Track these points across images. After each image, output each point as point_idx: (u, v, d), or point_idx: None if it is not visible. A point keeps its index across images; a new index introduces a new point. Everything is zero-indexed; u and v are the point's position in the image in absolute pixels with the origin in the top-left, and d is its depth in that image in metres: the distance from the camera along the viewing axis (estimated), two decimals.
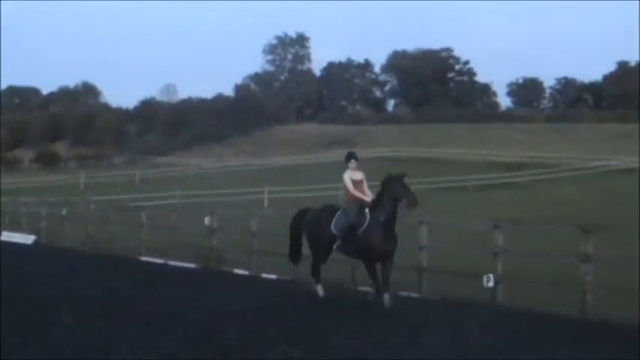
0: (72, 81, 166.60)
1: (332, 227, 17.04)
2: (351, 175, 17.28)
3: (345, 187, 17.35)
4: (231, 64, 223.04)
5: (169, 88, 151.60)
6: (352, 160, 17.41)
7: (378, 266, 16.66)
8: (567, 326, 14.69)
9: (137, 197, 58.43)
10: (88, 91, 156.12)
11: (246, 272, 23.66)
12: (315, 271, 17.77)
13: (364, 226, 16.56)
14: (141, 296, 17.27)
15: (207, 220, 26.94)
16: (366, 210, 16.71)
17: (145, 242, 29.98)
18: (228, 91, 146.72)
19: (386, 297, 16.32)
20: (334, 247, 17.15)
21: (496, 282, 17.83)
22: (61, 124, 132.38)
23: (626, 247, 21.14)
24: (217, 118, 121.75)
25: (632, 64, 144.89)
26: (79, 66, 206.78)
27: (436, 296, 18.28)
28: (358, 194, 17.02)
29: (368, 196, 16.95)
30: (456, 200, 49.59)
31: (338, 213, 17.23)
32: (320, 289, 17.64)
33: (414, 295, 18.62)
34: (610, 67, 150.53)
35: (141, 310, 15.18)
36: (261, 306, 16.04)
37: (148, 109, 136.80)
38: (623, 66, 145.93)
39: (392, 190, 16.45)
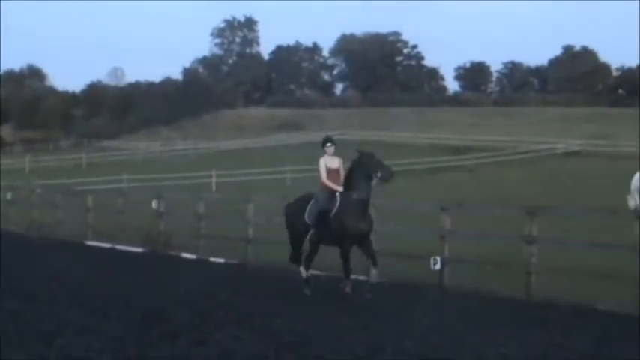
0: (17, 64, 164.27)
1: (305, 216, 16.27)
2: (327, 162, 16.29)
3: (319, 174, 16.35)
4: (179, 48, 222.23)
5: (117, 71, 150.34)
6: (329, 144, 16.36)
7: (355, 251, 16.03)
8: (512, 307, 14.87)
9: (84, 181, 57.90)
10: (34, 74, 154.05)
11: (193, 256, 23.62)
12: (296, 257, 16.88)
13: (335, 209, 15.77)
14: (87, 281, 17.16)
15: (154, 204, 26.83)
16: (337, 194, 15.92)
17: (91, 226, 29.78)
18: (177, 74, 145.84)
19: (374, 272, 15.79)
20: (308, 236, 16.40)
21: (443, 264, 17.96)
22: (7, 108, 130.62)
23: (569, 229, 21.43)
24: (165, 102, 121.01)
25: (577, 48, 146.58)
26: (25, 49, 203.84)
27: (384, 279, 18.35)
28: (329, 184, 16.12)
29: (339, 186, 16.01)
30: (403, 184, 49.71)
31: (311, 202, 16.36)
32: (303, 271, 16.70)
33: (363, 278, 18.66)
34: (555, 51, 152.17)
35: (86, 294, 15.09)
36: (208, 289, 16.03)
37: (94, 92, 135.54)
38: (568, 50, 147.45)
39: (364, 165, 15.66)
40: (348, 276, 15.95)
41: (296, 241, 16.81)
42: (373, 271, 15.75)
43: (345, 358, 10.28)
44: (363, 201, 15.71)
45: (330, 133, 17.18)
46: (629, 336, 12.30)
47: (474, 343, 11.41)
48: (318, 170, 16.36)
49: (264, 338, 11.26)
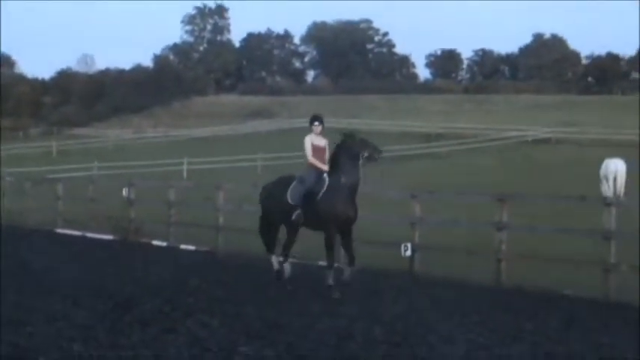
0: None
1: (288, 196, 15.20)
2: (314, 140, 15.37)
3: (304, 153, 15.37)
4: (149, 35, 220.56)
5: (86, 58, 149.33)
6: (316, 123, 15.44)
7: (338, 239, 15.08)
8: (482, 293, 14.96)
9: (54, 169, 57.67)
10: (3, 61, 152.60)
11: (164, 243, 23.56)
12: (270, 245, 15.95)
13: (323, 190, 14.80)
14: (57, 268, 17.09)
15: (125, 192, 26.70)
16: (325, 175, 14.97)
17: (61, 214, 29.61)
18: (147, 61, 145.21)
19: (348, 271, 14.78)
20: (293, 216, 15.09)
21: (413, 251, 18.02)
22: None
23: (538, 215, 21.61)
24: (136, 89, 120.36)
25: (547, 36, 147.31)
26: None
27: (354, 266, 18.37)
28: (316, 162, 15.17)
29: (325, 166, 15.11)
30: (374, 170, 49.73)
31: (294, 182, 15.40)
32: (275, 261, 15.77)
33: (336, 265, 18.68)
34: (526, 39, 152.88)
35: (56, 282, 15.03)
36: (178, 277, 16.01)
37: (64, 79, 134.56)
38: (538, 38, 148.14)
39: (350, 146, 14.78)
40: (331, 266, 14.75)
41: (272, 226, 15.81)
42: (347, 270, 14.76)
43: (316, 344, 10.31)
44: (352, 185, 14.75)
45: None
46: (596, 320, 12.43)
47: (444, 329, 11.49)
48: (303, 151, 15.35)
49: (235, 325, 11.29)
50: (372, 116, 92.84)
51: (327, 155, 15.32)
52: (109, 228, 26.13)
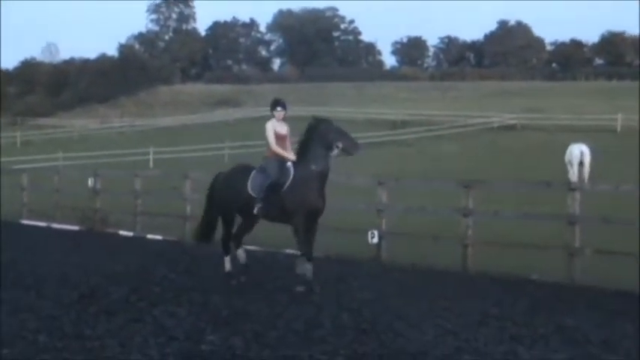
0: None
1: (249, 188, 14.16)
2: (276, 127, 14.36)
3: (266, 140, 14.37)
4: (114, 24, 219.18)
5: (51, 48, 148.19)
6: (278, 109, 14.43)
7: None
8: (448, 279, 15.04)
9: (19, 160, 57.18)
10: None
11: (130, 233, 23.48)
12: (225, 240, 14.89)
13: (289, 181, 13.81)
14: (22, 260, 16.97)
15: (90, 182, 26.59)
16: (289, 164, 13.98)
17: (26, 205, 29.43)
18: (112, 51, 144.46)
19: (308, 268, 13.75)
20: (255, 209, 14.08)
21: (380, 238, 18.08)
22: None
23: (504, 201, 21.73)
24: (101, 79, 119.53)
25: (512, 23, 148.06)
26: None
27: (321, 253, 18.40)
28: (280, 150, 14.18)
29: (291, 154, 14.15)
30: (341, 158, 49.71)
31: (254, 171, 14.40)
32: (228, 262, 14.81)
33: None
34: (491, 26, 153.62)
35: (21, 273, 14.93)
36: (145, 266, 15.96)
37: (28, 69, 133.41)
38: (503, 25, 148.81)
39: (324, 133, 13.73)
40: (309, 257, 13.83)
41: (228, 218, 14.78)
42: (308, 267, 13.73)
43: (284, 332, 10.32)
44: (322, 174, 13.73)
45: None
46: (561, 304, 12.54)
47: (412, 315, 11.54)
48: (265, 138, 14.36)
49: (202, 314, 11.27)
50: (339, 104, 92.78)
51: (288, 143, 14.42)
52: (75, 218, 26.03)
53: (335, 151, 13.69)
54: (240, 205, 14.39)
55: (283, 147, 14.33)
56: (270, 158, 14.31)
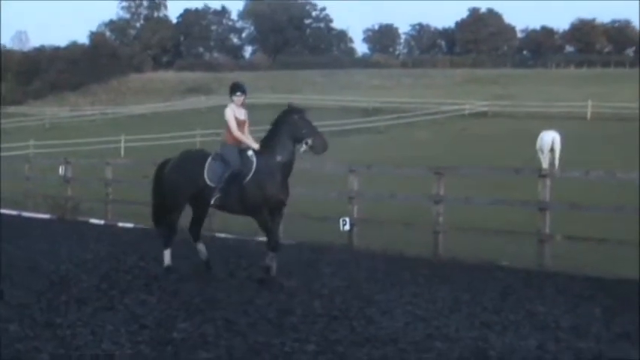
0: None
1: (205, 177, 13.42)
2: (235, 112, 13.62)
3: (227, 126, 13.57)
4: (85, 12, 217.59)
5: (21, 35, 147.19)
6: (238, 93, 13.66)
7: None
8: (420, 266, 15.07)
9: None
10: None
11: (101, 222, 23.39)
12: (168, 233, 14.08)
13: (251, 172, 13.08)
14: None
15: (61, 170, 26.46)
16: (250, 152, 13.26)
17: None
18: (83, 38, 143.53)
19: (271, 256, 13.23)
20: (212, 200, 13.39)
21: (352, 225, 18.10)
22: None
23: (474, 187, 21.82)
24: (72, 67, 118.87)
25: (483, 10, 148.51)
26: None
27: (293, 240, 18.44)
28: (242, 137, 13.46)
29: (253, 142, 13.39)
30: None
31: (210, 158, 13.63)
32: (168, 255, 13.98)
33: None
34: (462, 13, 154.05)
35: None
36: (116, 254, 15.90)
37: None
38: (474, 12, 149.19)
39: (296, 125, 13.05)
40: (274, 248, 13.25)
41: (178, 207, 13.94)
42: (271, 255, 13.19)
43: (255, 320, 10.34)
44: (287, 166, 13.15)
45: (238, 82, 14.18)
46: (532, 290, 12.63)
47: (383, 301, 11.59)
48: (225, 124, 13.59)
49: (173, 302, 11.27)
50: (310, 91, 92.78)
51: (247, 130, 13.68)
52: (46, 207, 25.90)
53: (303, 147, 13.10)
54: (195, 194, 13.60)
55: (242, 133, 13.59)
56: (229, 145, 13.55)
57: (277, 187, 13.13)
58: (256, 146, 13.31)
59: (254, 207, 13.18)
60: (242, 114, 13.71)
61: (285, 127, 13.13)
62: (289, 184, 13.53)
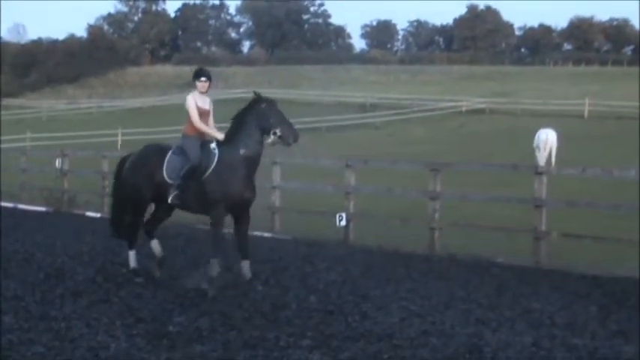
0: None
1: (164, 172, 12.33)
2: (198, 100, 12.49)
3: (188, 116, 12.47)
4: (83, 4, 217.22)
5: (18, 28, 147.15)
6: (203, 79, 12.54)
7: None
8: (415, 262, 15.07)
9: None
10: None
11: (98, 215, 23.35)
12: (133, 231, 13.06)
13: (212, 166, 11.98)
14: None
15: (57, 163, 26.44)
16: (212, 145, 12.16)
17: None
18: (81, 31, 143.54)
19: (245, 265, 12.13)
20: (170, 198, 12.23)
21: (348, 220, 18.10)
22: None
23: (471, 184, 21.82)
24: (69, 59, 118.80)
25: (481, 7, 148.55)
26: None
27: (289, 235, 18.45)
28: (205, 127, 12.36)
29: (218, 133, 12.30)
30: (309, 141, 49.82)
31: (170, 152, 12.50)
32: (133, 257, 12.95)
33: (267, 234, 18.75)
34: (460, 10, 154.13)
35: None
36: (112, 248, 15.87)
37: None
38: (472, 9, 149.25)
39: (264, 114, 11.90)
40: (215, 255, 12.05)
41: (139, 207, 12.91)
42: (245, 265, 12.12)
43: (251, 314, 10.33)
44: (252, 160, 11.99)
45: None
46: (527, 287, 12.63)
47: (378, 297, 11.59)
48: (187, 113, 12.50)
49: (168, 295, 11.25)
50: (308, 86, 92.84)
51: (211, 120, 12.63)
52: (42, 199, 25.90)
53: (271, 138, 11.92)
54: (154, 192, 12.52)
55: (206, 124, 12.49)
56: (190, 137, 12.41)
57: (240, 183, 11.88)
58: (221, 136, 12.18)
59: (213, 205, 11.99)
60: (206, 103, 12.60)
61: (251, 116, 11.99)
62: (255, 180, 12.31)
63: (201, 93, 12.55)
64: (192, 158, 12.12)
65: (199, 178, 12.00)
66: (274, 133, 11.85)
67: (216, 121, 12.40)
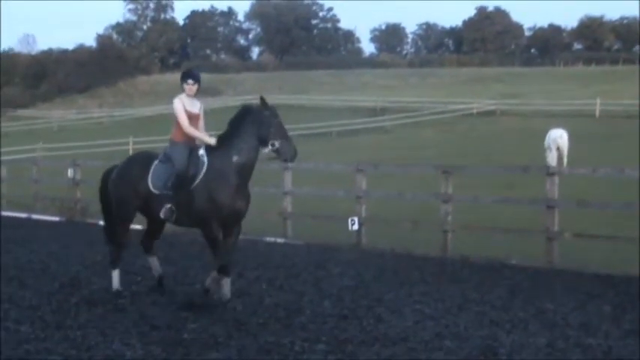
0: None
1: (149, 183, 11.45)
2: (186, 103, 11.70)
3: (175, 121, 11.70)
4: (92, 14, 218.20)
5: (28, 38, 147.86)
6: (190, 81, 11.72)
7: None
8: (428, 265, 15.08)
9: None
10: None
11: None
12: (116, 251, 12.21)
13: (201, 174, 11.09)
14: (2, 251, 16.91)
15: (70, 173, 26.51)
16: (201, 151, 11.28)
17: (6, 197, 29.32)
18: (90, 41, 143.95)
19: (226, 284, 11.26)
20: (162, 213, 11.35)
21: (360, 224, 18.10)
22: None
23: (483, 186, 21.80)
24: (79, 69, 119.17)
25: (490, 9, 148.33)
26: None
27: (302, 241, 18.48)
28: (196, 133, 11.53)
29: (210, 138, 11.42)
30: (320, 146, 49.92)
31: (157, 161, 11.61)
32: (116, 278, 12.12)
33: (280, 240, 18.79)
34: (469, 12, 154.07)
35: (2, 265, 14.88)
36: (125, 256, 15.90)
37: (6, 60, 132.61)
38: (481, 11, 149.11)
39: (265, 122, 10.97)
40: (224, 270, 11.18)
41: (125, 220, 12.02)
42: (226, 282, 11.25)
43: (265, 320, 10.36)
44: (245, 167, 11.04)
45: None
46: (540, 287, 12.63)
47: (392, 300, 11.61)
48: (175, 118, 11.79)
49: (183, 303, 11.27)
50: (318, 92, 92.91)
51: (202, 125, 11.79)
52: (55, 209, 25.97)
53: (268, 149, 10.99)
54: (140, 205, 11.68)
55: (197, 128, 11.70)
56: (178, 143, 11.54)
57: (232, 193, 10.92)
58: (213, 141, 11.26)
59: (202, 218, 11.05)
60: (195, 106, 11.79)
61: (250, 122, 11.07)
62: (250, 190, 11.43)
63: (189, 96, 11.74)
64: (178, 165, 11.23)
65: (188, 188, 11.09)
66: (272, 145, 10.91)
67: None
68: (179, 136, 11.57)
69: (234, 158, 10.96)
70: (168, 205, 11.27)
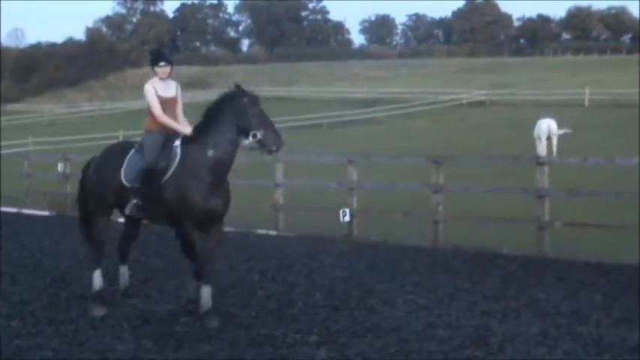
0: None
1: (122, 175, 10.39)
2: (158, 88, 10.48)
3: (148, 106, 10.55)
4: (81, 8, 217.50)
5: (17, 32, 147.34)
6: (162, 63, 10.47)
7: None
8: (420, 255, 15.10)
9: None
10: None
11: None
12: (97, 244, 11.10)
13: (173, 167, 9.93)
14: None
15: (60, 167, 26.47)
16: (176, 142, 10.10)
17: None
18: (79, 34, 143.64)
19: (205, 293, 9.88)
20: (127, 208, 10.39)
21: (352, 216, 18.11)
22: None
23: (473, 176, 21.82)
24: (69, 63, 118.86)
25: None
26: None
27: (293, 233, 18.48)
28: (169, 121, 10.34)
29: (186, 126, 10.30)
30: (311, 138, 49.86)
31: (133, 150, 10.53)
32: (98, 279, 10.87)
33: (272, 232, 18.79)
34: (459, 3, 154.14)
35: None
36: (115, 250, 15.89)
37: None
38: (471, 2, 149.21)
39: (244, 110, 9.75)
40: (199, 276, 10.08)
41: (102, 215, 10.89)
42: (205, 292, 9.88)
43: (257, 312, 10.35)
44: (222, 163, 9.84)
45: (160, 50, 11.50)
46: (531, 277, 12.65)
47: (384, 291, 11.62)
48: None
49: (174, 296, 11.26)
50: (308, 83, 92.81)
51: (179, 110, 10.66)
52: (46, 203, 25.92)
53: (249, 140, 9.76)
54: (113, 198, 10.58)
55: (172, 115, 10.49)
56: (152, 132, 10.48)
57: (204, 190, 9.76)
58: (188, 131, 10.17)
59: (173, 215, 9.98)
60: (170, 89, 10.60)
61: (228, 111, 9.87)
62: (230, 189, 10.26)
63: (162, 79, 10.52)
64: (148, 157, 10.15)
65: (158, 183, 9.98)
66: (254, 136, 9.68)
67: None
68: (153, 125, 10.48)
69: (210, 152, 9.79)
70: (134, 201, 10.25)
